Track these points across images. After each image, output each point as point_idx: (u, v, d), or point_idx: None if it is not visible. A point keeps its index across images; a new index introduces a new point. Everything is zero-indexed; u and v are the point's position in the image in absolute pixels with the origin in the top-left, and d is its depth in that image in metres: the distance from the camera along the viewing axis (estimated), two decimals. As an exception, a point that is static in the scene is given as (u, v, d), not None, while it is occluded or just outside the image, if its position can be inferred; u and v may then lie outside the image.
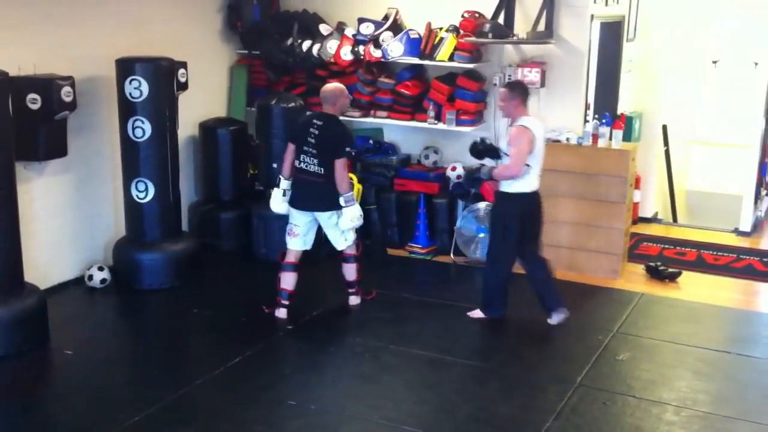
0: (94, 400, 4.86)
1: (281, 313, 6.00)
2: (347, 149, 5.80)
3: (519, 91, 5.74)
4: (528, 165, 5.64)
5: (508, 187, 5.76)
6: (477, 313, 6.07)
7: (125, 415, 4.59)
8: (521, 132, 5.62)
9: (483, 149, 6.11)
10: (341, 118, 5.99)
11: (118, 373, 5.22)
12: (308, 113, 6.39)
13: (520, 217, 5.78)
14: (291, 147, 5.88)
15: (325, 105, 5.88)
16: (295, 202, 5.90)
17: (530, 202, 5.82)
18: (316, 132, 5.74)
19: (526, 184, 5.73)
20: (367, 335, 5.83)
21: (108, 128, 6.63)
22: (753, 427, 4.68)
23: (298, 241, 5.95)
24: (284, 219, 6.20)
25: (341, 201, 5.77)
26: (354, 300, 6.27)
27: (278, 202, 5.99)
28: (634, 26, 8.23)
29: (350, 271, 6.19)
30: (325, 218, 5.89)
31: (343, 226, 5.88)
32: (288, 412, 4.71)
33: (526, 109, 5.75)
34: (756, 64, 8.59)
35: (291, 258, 5.99)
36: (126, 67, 6.26)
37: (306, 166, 5.77)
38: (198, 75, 7.12)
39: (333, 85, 5.99)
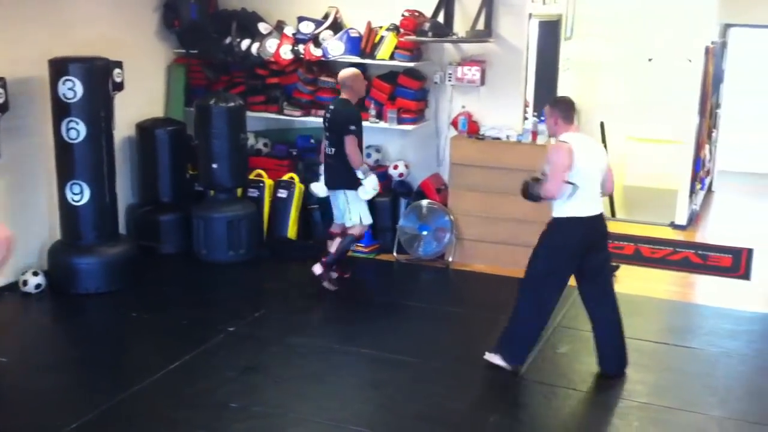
0: (30, 408, 4.74)
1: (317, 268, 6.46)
2: (351, 127, 6.17)
3: (558, 108, 5.11)
4: (571, 183, 4.89)
5: (556, 211, 5.06)
6: (496, 359, 5.18)
7: (62, 422, 4.48)
8: (556, 147, 5.00)
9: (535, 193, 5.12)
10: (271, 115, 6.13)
11: (54, 380, 5.09)
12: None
13: (571, 249, 5.03)
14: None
15: (343, 90, 6.36)
16: (325, 182, 6.45)
17: (586, 230, 5.02)
18: (329, 116, 6.32)
19: (577, 207, 4.96)
20: (312, 335, 5.81)
21: (42, 130, 6.47)
22: (689, 416, 4.78)
23: (337, 215, 6.56)
24: (225, 220, 6.42)
25: (359, 174, 6.26)
26: (317, 269, 6.46)
27: (317, 186, 6.56)
28: (572, 25, 8.36)
29: (334, 244, 6.52)
30: (338, 195, 6.43)
31: (363, 196, 6.33)
32: (232, 416, 4.65)
33: (569, 126, 5.08)
34: (690, 60, 8.79)
35: (334, 229, 6.64)
36: (59, 67, 6.12)
37: (327, 149, 6.35)
38: (135, 75, 7.00)
39: (349, 70, 6.39)
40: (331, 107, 6.35)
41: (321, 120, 6.49)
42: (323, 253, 6.60)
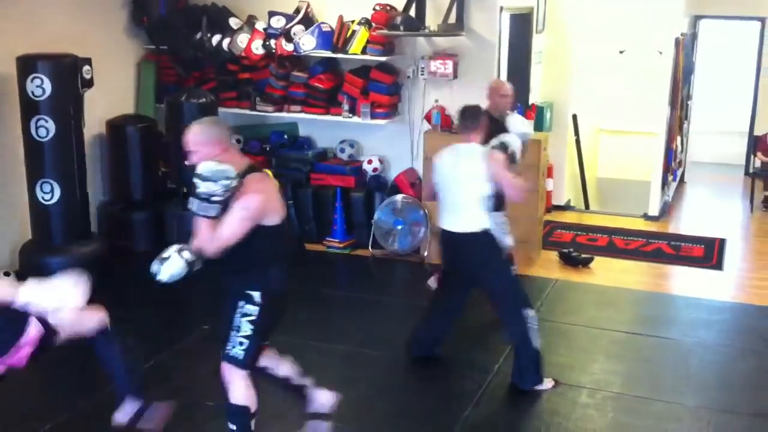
0: (4, 410, 4.68)
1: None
2: None
3: (460, 119, 5.01)
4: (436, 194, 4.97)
5: None
6: (542, 386, 4.92)
7: (37, 423, 4.44)
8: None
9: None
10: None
11: (26, 382, 5.01)
12: None
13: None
14: None
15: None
16: None
17: (442, 241, 5.03)
18: None
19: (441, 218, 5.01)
20: (286, 332, 5.75)
21: (10, 128, 6.38)
22: (663, 405, 4.82)
23: None
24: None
25: None
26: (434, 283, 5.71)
27: None
28: (543, 18, 8.38)
29: None
30: None
31: None
32: (206, 414, 4.62)
33: (469, 136, 4.90)
34: (660, 53, 8.85)
35: None
36: (27, 64, 6.04)
37: None
38: (104, 72, 6.92)
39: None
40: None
41: (290, 115, 6.12)
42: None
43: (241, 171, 3.62)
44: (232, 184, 3.50)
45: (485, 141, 4.98)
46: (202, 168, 3.52)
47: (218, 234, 3.57)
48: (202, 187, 3.50)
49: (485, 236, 4.82)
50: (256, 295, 3.76)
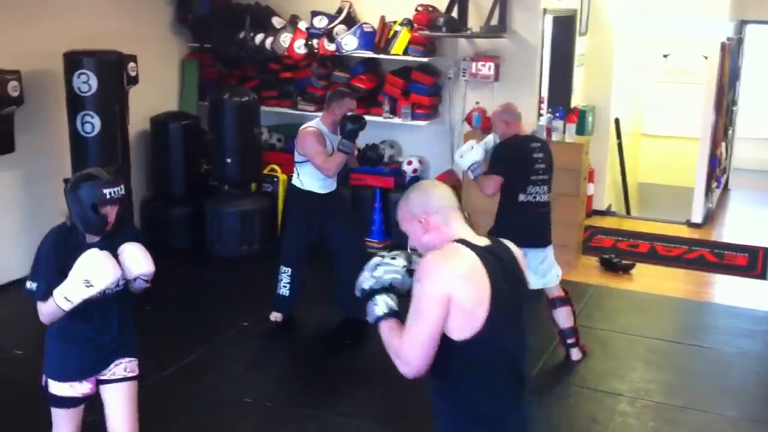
0: (42, 402, 4.74)
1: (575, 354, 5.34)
2: None
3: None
4: None
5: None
6: None
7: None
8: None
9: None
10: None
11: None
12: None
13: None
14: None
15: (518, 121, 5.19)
16: (537, 241, 5.15)
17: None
18: (542, 155, 5.12)
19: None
20: (323, 331, 5.80)
21: (56, 123, 6.48)
22: (703, 416, 4.75)
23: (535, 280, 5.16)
24: (239, 215, 6.11)
25: None
26: (577, 355, 5.32)
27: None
28: (586, 20, 8.30)
29: (564, 315, 5.26)
30: (547, 252, 5.21)
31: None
32: (242, 411, 4.65)
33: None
34: (705, 57, 8.72)
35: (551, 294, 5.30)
36: (74, 61, 6.13)
37: (539, 196, 5.09)
38: (148, 69, 7.00)
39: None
40: (539, 144, 5.17)
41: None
42: (568, 339, 5.31)
43: None
44: None
45: None
46: None
47: None
48: None
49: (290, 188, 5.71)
50: None
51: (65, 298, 3.06)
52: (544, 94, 7.63)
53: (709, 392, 5.06)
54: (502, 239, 2.57)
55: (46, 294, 3.10)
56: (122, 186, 3.18)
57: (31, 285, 3.17)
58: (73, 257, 3.07)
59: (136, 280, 3.26)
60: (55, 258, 3.13)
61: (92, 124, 6.16)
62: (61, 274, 3.08)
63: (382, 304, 2.45)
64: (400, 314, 2.45)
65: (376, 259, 2.54)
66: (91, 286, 3.04)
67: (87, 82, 6.09)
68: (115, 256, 3.13)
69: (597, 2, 8.39)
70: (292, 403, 4.78)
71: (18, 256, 6.39)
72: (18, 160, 6.24)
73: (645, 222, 8.65)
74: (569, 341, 5.27)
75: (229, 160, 7.02)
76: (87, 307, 3.16)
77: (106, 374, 3.39)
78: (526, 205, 5.03)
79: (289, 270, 5.66)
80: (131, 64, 6.53)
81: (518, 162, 5.02)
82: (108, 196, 3.12)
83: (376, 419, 4.61)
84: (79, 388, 3.36)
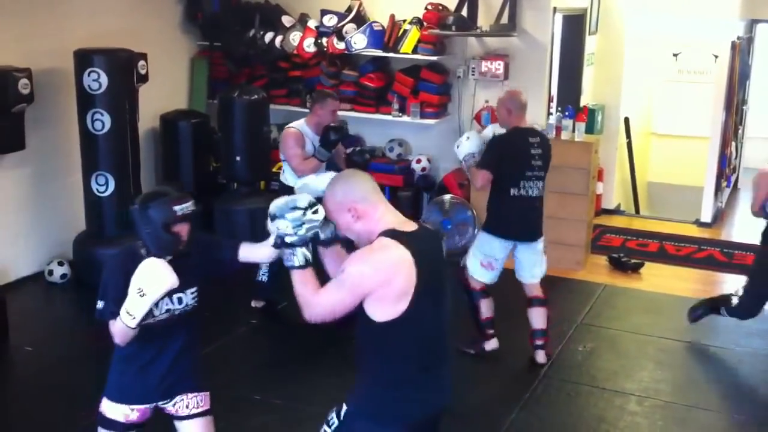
0: (53, 398, 4.78)
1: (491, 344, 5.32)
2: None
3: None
4: None
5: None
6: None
7: (84, 413, 4.49)
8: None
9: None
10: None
11: (78, 371, 5.13)
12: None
13: None
14: None
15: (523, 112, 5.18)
16: (530, 234, 5.16)
17: None
18: (540, 151, 5.08)
19: None
20: (333, 329, 5.79)
21: (66, 121, 6.51)
22: (713, 415, 4.75)
23: (525, 274, 5.24)
24: (248, 212, 6.12)
25: None
26: (542, 358, 5.21)
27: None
28: (596, 19, 8.29)
29: (539, 316, 5.19)
30: (538, 246, 5.19)
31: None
32: (252, 408, 4.66)
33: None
34: (716, 56, 8.69)
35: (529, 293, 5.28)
36: (84, 58, 6.15)
37: (531, 190, 5.03)
38: (158, 67, 7.02)
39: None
40: (538, 138, 5.10)
41: (340, 113, 6.12)
42: (537, 340, 5.21)
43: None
44: None
45: None
46: None
47: None
48: None
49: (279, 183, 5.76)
50: None
51: (127, 312, 2.95)
52: (554, 92, 7.63)
53: (719, 392, 5.05)
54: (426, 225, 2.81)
55: (113, 313, 3.01)
56: (192, 201, 3.09)
57: (99, 305, 3.09)
58: None
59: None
60: (121, 277, 3.01)
61: (102, 121, 6.18)
62: (125, 292, 2.99)
63: (300, 255, 2.69)
64: (311, 262, 2.71)
65: (297, 214, 2.69)
66: (144, 294, 2.92)
67: (97, 80, 6.11)
68: (191, 276, 3.08)
69: (607, 1, 8.38)
70: (302, 401, 4.78)
71: (29, 253, 6.45)
72: (28, 157, 6.27)
73: (654, 221, 8.63)
74: (538, 342, 5.17)
75: (238, 158, 7.04)
76: (147, 332, 3.06)
77: (170, 408, 3.30)
78: (517, 200, 4.99)
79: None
80: (141, 63, 6.55)
81: (512, 157, 4.99)
82: (179, 214, 3.03)
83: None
84: (129, 414, 3.25)
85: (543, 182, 5.10)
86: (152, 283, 2.93)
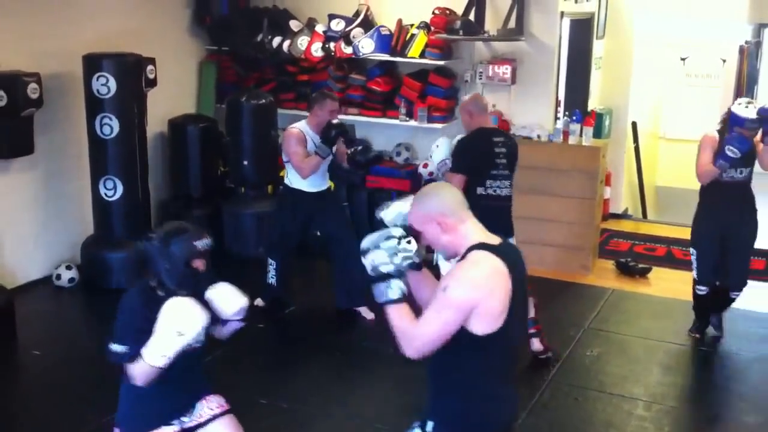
0: (61, 401, 4.79)
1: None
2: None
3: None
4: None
5: None
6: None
7: (92, 416, 4.52)
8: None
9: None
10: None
11: (86, 374, 5.14)
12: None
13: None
14: None
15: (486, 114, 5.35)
16: (503, 230, 5.32)
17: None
18: (506, 150, 5.15)
19: None
20: (340, 332, 5.81)
21: (75, 125, 6.54)
22: (720, 421, 4.73)
23: None
24: (256, 216, 6.15)
25: None
26: (537, 345, 5.31)
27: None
28: (604, 23, 8.28)
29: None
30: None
31: None
32: (259, 411, 4.67)
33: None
34: (724, 61, 8.68)
35: None
36: (93, 63, 6.18)
37: (499, 189, 5.14)
38: (167, 71, 7.04)
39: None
40: (502, 138, 5.20)
41: (348, 117, 6.11)
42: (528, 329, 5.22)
43: None
44: None
45: None
46: None
47: None
48: None
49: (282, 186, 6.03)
50: None
51: (162, 355, 2.94)
52: (561, 97, 7.63)
53: (726, 397, 5.04)
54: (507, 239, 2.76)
55: (134, 357, 3.01)
56: (208, 236, 3.15)
57: (117, 348, 3.07)
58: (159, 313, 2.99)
59: (227, 324, 3.25)
60: (141, 317, 3.02)
61: (111, 126, 6.21)
62: (147, 333, 2.98)
63: (396, 288, 2.60)
64: (407, 296, 2.61)
65: (392, 243, 2.61)
66: (183, 335, 2.95)
67: (106, 85, 6.13)
68: (201, 303, 3.08)
69: (615, 5, 8.37)
70: (307, 404, 4.79)
71: (37, 257, 6.47)
72: (37, 161, 6.30)
73: (662, 225, 8.61)
74: (530, 330, 5.22)
75: (246, 162, 7.05)
76: (168, 367, 3.04)
77: (195, 419, 3.30)
78: (483, 198, 5.01)
79: (275, 263, 5.96)
80: (150, 67, 6.58)
81: (476, 156, 5.07)
82: (200, 249, 3.09)
83: (395, 420, 4.61)
84: None
85: (509, 181, 5.15)
86: (189, 322, 2.96)
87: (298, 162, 5.57)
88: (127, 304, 3.15)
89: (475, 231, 2.66)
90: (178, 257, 3.06)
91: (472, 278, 2.52)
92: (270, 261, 6.00)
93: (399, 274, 2.60)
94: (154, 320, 2.98)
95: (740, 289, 5.62)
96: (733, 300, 5.71)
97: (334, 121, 5.59)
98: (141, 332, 3.00)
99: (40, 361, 5.32)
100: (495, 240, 2.67)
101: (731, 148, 5.21)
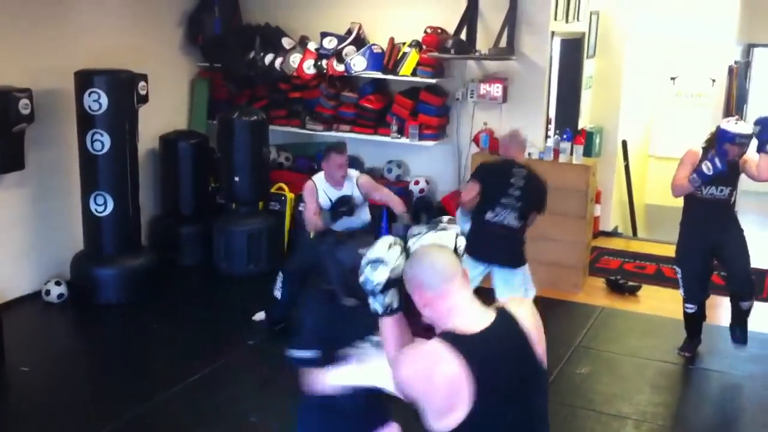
0: (51, 418, 4.76)
1: None
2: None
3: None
4: None
5: None
6: None
7: (82, 433, 4.50)
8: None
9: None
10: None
11: (75, 391, 5.12)
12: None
13: None
14: None
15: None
16: (509, 261, 5.37)
17: None
18: (522, 183, 5.22)
19: None
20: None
21: (66, 141, 6.53)
22: (711, 440, 4.73)
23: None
24: (246, 233, 6.15)
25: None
26: None
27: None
28: (594, 43, 8.34)
29: None
30: (517, 275, 5.34)
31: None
32: (250, 429, 4.65)
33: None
34: (713, 80, 8.75)
35: None
36: (85, 79, 6.19)
37: (506, 220, 5.21)
38: (159, 88, 7.05)
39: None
40: (524, 172, 5.23)
41: (339, 134, 6.14)
42: None
43: None
44: None
45: None
46: None
47: None
48: None
49: None
50: None
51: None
52: (552, 115, 7.67)
53: (716, 416, 5.04)
54: (512, 310, 2.40)
55: (323, 363, 3.01)
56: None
57: (303, 353, 3.11)
58: (342, 321, 3.01)
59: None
60: (328, 324, 3.07)
61: (102, 142, 6.21)
62: (332, 339, 2.99)
63: (394, 296, 2.43)
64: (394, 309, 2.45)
65: (393, 253, 2.44)
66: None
67: (98, 101, 6.14)
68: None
69: (605, 25, 8.43)
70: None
71: (26, 273, 6.45)
72: (28, 177, 6.29)
73: (652, 243, 8.63)
74: None
75: (237, 179, 7.05)
76: None
77: None
78: (490, 225, 5.14)
79: (283, 276, 5.92)
80: (142, 83, 6.58)
81: (491, 182, 5.19)
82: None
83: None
84: None
85: (519, 213, 5.17)
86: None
87: (307, 214, 5.68)
88: (316, 312, 3.23)
89: (457, 312, 2.31)
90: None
91: (407, 376, 2.26)
92: (279, 273, 5.97)
93: (395, 281, 2.41)
94: (337, 327, 3.01)
95: (746, 291, 5.59)
96: (746, 312, 5.67)
97: (346, 198, 5.63)
98: (328, 340, 3.03)
99: (29, 378, 5.29)
100: (480, 324, 2.31)
101: (708, 164, 5.28)
